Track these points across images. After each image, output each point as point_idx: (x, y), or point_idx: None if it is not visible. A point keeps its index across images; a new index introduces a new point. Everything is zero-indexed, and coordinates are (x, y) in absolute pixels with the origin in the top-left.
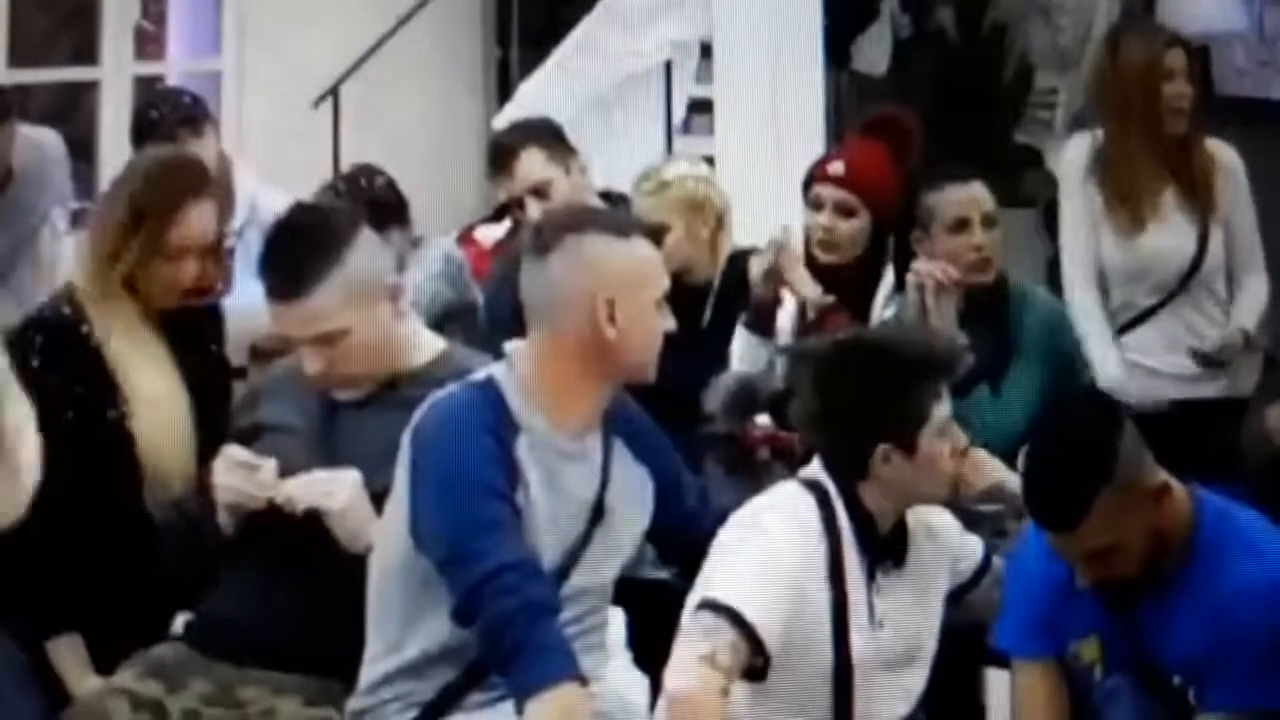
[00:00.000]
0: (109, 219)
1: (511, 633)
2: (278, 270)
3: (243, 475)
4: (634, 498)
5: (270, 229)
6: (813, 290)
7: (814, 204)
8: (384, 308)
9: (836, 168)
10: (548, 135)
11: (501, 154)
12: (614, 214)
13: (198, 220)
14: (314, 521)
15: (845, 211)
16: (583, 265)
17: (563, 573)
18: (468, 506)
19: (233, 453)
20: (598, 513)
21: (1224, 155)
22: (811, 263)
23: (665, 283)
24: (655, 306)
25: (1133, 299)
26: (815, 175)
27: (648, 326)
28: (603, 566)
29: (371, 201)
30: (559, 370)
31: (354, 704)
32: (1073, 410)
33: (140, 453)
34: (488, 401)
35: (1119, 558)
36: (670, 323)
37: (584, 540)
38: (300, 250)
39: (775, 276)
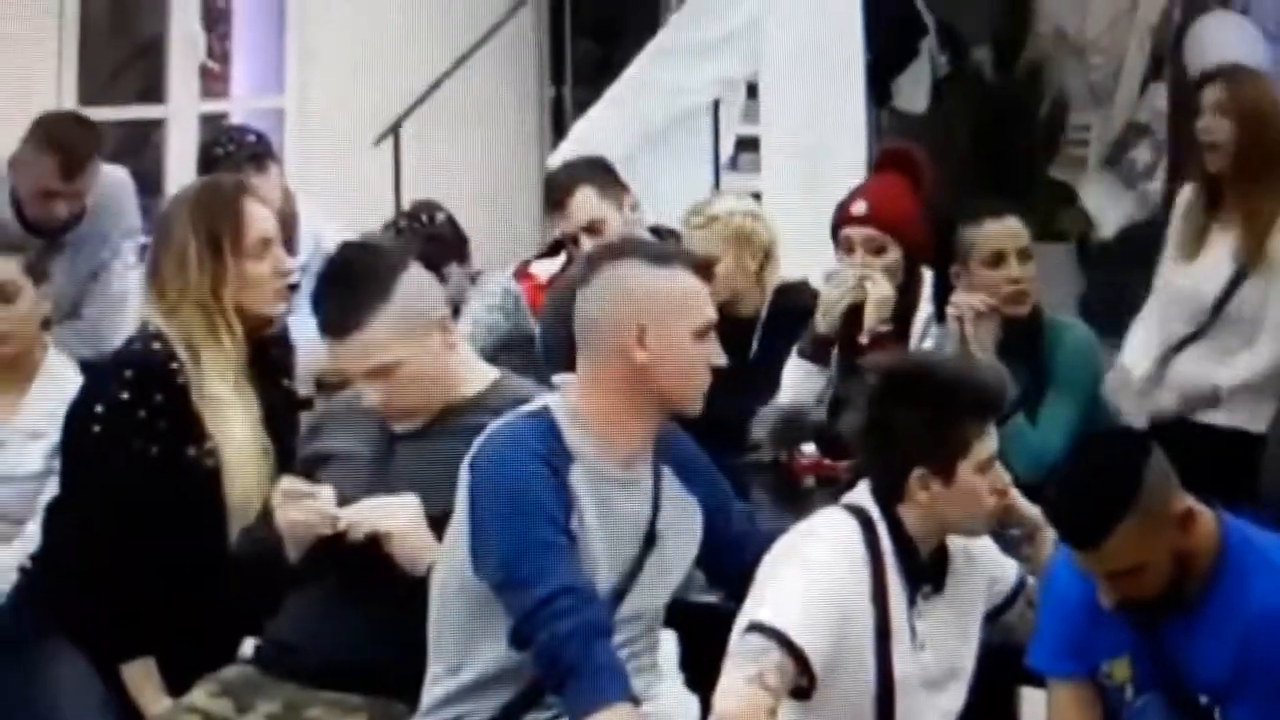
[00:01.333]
0: (188, 262)
1: (566, 655)
2: (330, 307)
3: (302, 507)
4: (684, 525)
5: (322, 267)
6: (876, 320)
7: (844, 247)
8: (435, 339)
9: (860, 208)
10: (601, 173)
11: (556, 192)
12: (660, 245)
13: (259, 211)
14: (375, 547)
15: (876, 249)
16: (617, 291)
17: (616, 598)
18: (523, 531)
19: (288, 486)
20: (649, 540)
21: None
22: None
23: (709, 315)
24: (694, 337)
25: (1170, 330)
26: (840, 219)
27: (684, 356)
28: (654, 591)
29: (431, 237)
30: (604, 400)
31: None
32: (1102, 436)
33: (229, 494)
34: (541, 430)
35: (1142, 579)
36: (718, 356)
37: (636, 566)
38: (350, 286)
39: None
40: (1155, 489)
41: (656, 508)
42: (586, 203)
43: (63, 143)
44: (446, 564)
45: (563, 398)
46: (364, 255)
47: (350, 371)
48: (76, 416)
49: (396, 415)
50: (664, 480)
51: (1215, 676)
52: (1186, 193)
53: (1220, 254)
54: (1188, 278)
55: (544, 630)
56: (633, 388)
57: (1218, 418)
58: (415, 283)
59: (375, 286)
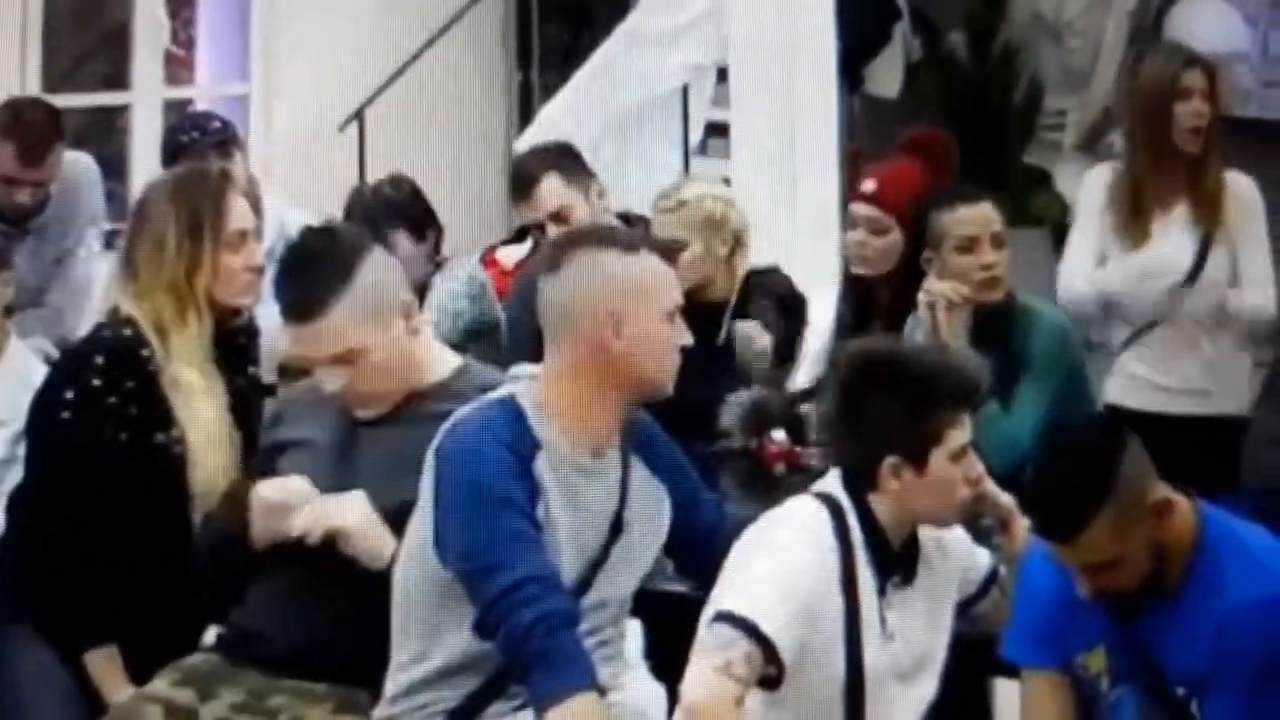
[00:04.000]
0: (165, 247)
1: (530, 644)
2: (292, 293)
3: (279, 520)
4: (652, 512)
5: (283, 253)
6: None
7: (850, 222)
8: (398, 324)
9: (868, 186)
10: (567, 160)
11: (522, 180)
12: (624, 231)
13: (241, 204)
14: (333, 544)
15: (876, 229)
16: (589, 280)
17: (583, 586)
18: (488, 520)
19: (266, 496)
20: (616, 527)
21: (1240, 185)
22: (848, 276)
23: (677, 297)
24: (665, 319)
25: (1134, 314)
26: (850, 194)
27: (657, 339)
28: (621, 579)
29: (388, 203)
30: (574, 388)
31: (379, 713)
32: (1078, 427)
33: (193, 479)
34: (507, 418)
35: (1120, 571)
36: (685, 337)
37: (603, 554)
38: (312, 272)
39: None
40: (1131, 480)
41: (624, 496)
42: (553, 190)
43: (21, 129)
44: (410, 552)
45: (528, 386)
46: (324, 240)
47: (311, 358)
48: (46, 403)
49: (358, 402)
50: (632, 468)
51: (1192, 667)
52: (1108, 182)
53: (1174, 233)
54: (1143, 259)
55: (508, 619)
56: (604, 374)
57: (1195, 406)
58: (377, 268)
59: (336, 271)
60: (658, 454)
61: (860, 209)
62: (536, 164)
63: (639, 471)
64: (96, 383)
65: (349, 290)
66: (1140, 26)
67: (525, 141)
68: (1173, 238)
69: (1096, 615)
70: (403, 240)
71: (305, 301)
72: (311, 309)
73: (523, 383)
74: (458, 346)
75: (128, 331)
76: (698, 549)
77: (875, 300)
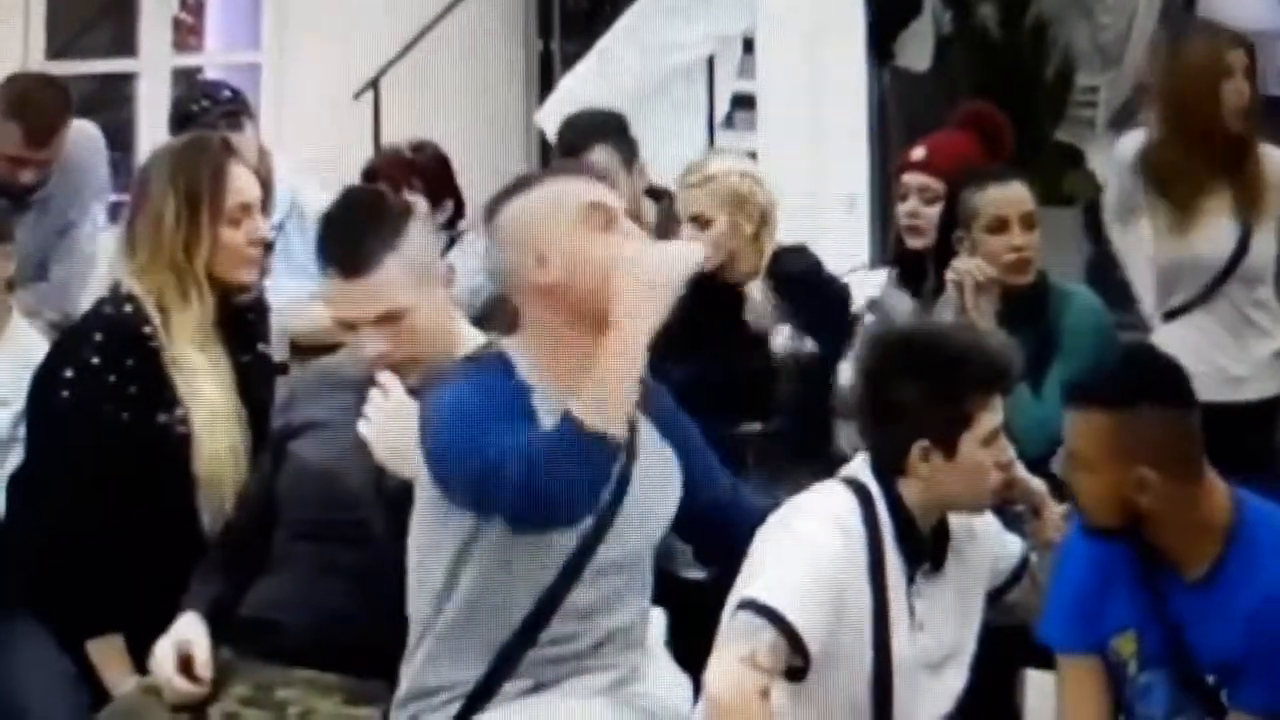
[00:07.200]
0: (163, 222)
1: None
2: (340, 247)
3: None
4: (660, 472)
5: (329, 208)
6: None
7: (901, 193)
8: (440, 290)
9: (918, 153)
10: (615, 134)
11: (570, 146)
12: (526, 176)
13: (243, 176)
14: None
15: (929, 197)
16: (506, 239)
17: (591, 543)
18: (470, 424)
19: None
20: (621, 485)
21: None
22: (901, 249)
23: (592, 196)
24: (587, 229)
25: (1173, 296)
26: (900, 164)
27: (584, 255)
28: (630, 538)
29: (409, 165)
30: (541, 339)
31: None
32: None
33: (197, 461)
34: (493, 368)
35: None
36: (632, 238)
37: (609, 512)
38: (362, 227)
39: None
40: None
41: (630, 453)
42: (599, 161)
43: (30, 109)
44: (419, 528)
45: (514, 341)
46: (374, 199)
47: (358, 317)
48: (44, 381)
49: (400, 365)
50: (639, 426)
51: (1224, 654)
52: (1132, 158)
53: (1219, 218)
54: (1186, 248)
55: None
56: (561, 315)
57: (1233, 392)
58: (423, 231)
59: (388, 229)
60: (665, 418)
61: (911, 177)
62: (588, 132)
63: (647, 432)
64: (95, 360)
65: (400, 249)
66: (1172, 3)
67: (546, 112)
68: (1216, 225)
69: (1129, 598)
70: (417, 204)
71: (355, 256)
72: (362, 263)
73: (508, 340)
74: (477, 322)
75: (128, 308)
76: (712, 527)
77: (924, 276)
